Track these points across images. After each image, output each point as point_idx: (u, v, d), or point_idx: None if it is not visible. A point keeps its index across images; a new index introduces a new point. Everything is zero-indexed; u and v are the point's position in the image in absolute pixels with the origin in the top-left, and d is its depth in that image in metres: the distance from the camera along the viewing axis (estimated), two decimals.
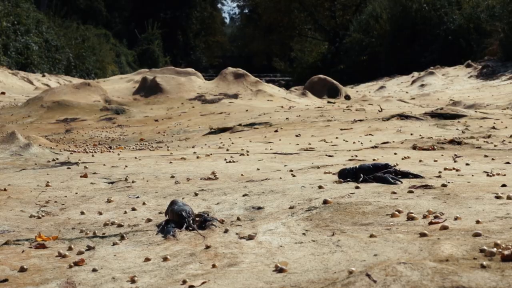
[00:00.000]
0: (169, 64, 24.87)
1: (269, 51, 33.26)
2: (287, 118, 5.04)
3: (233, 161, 2.74)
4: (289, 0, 27.73)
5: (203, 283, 1.15)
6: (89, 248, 1.45)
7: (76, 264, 1.32)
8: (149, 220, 1.67)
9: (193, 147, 3.83)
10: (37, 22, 18.96)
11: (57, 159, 3.01)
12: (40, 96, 7.48)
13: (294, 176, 2.18)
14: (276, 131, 4.32)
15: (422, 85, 13.27)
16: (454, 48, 17.49)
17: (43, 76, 15.10)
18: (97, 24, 27.14)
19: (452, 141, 3.14)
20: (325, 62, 24.92)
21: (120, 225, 1.65)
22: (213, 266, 1.24)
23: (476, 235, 1.24)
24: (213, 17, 39.22)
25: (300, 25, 29.49)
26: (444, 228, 1.33)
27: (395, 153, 2.83)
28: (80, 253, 1.42)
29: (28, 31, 17.69)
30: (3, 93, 10.12)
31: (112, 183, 2.33)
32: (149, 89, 8.24)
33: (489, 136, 3.45)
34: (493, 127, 3.88)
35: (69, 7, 23.99)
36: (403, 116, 4.50)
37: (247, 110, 5.91)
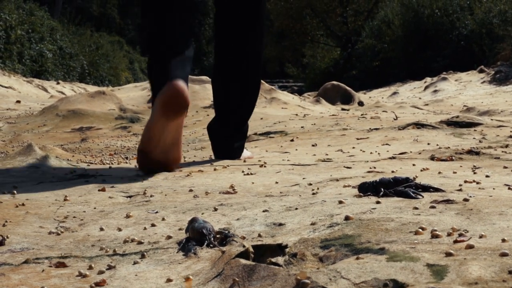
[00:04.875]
0: None
1: (281, 57, 33.31)
2: (302, 127, 5.01)
3: (251, 173, 2.72)
4: (301, 7, 27.76)
5: None
6: (110, 267, 1.43)
7: (98, 284, 1.31)
8: (169, 237, 1.65)
9: (210, 157, 3.81)
10: (51, 29, 19.11)
11: (75, 171, 3.00)
12: (55, 104, 7.50)
13: (313, 190, 2.16)
14: (292, 140, 4.30)
15: (435, 91, 13.22)
16: (467, 53, 17.44)
17: (58, 83, 15.19)
18: (110, 31, 27.30)
19: (470, 151, 3.10)
20: (337, 68, 24.92)
21: (140, 242, 1.62)
22: (237, 284, 1.23)
23: (503, 254, 1.20)
24: None
25: (312, 31, 29.52)
26: (470, 247, 1.29)
27: (414, 164, 2.79)
28: (101, 272, 1.40)
29: (42, 39, 17.84)
30: (18, 101, 10.17)
31: (130, 197, 2.32)
32: None
33: (506, 146, 3.41)
34: (510, 136, 3.84)
35: (82, 15, 24.16)
36: (419, 125, 4.46)
37: (261, 118, 5.89)
